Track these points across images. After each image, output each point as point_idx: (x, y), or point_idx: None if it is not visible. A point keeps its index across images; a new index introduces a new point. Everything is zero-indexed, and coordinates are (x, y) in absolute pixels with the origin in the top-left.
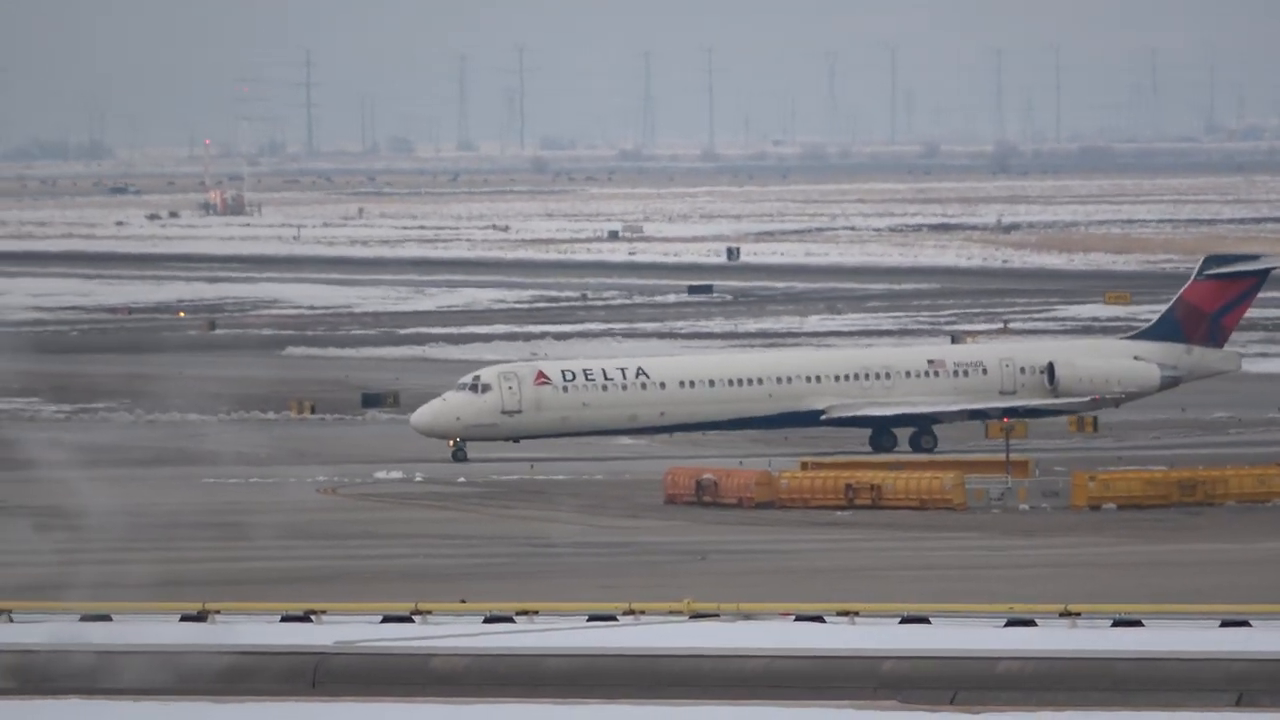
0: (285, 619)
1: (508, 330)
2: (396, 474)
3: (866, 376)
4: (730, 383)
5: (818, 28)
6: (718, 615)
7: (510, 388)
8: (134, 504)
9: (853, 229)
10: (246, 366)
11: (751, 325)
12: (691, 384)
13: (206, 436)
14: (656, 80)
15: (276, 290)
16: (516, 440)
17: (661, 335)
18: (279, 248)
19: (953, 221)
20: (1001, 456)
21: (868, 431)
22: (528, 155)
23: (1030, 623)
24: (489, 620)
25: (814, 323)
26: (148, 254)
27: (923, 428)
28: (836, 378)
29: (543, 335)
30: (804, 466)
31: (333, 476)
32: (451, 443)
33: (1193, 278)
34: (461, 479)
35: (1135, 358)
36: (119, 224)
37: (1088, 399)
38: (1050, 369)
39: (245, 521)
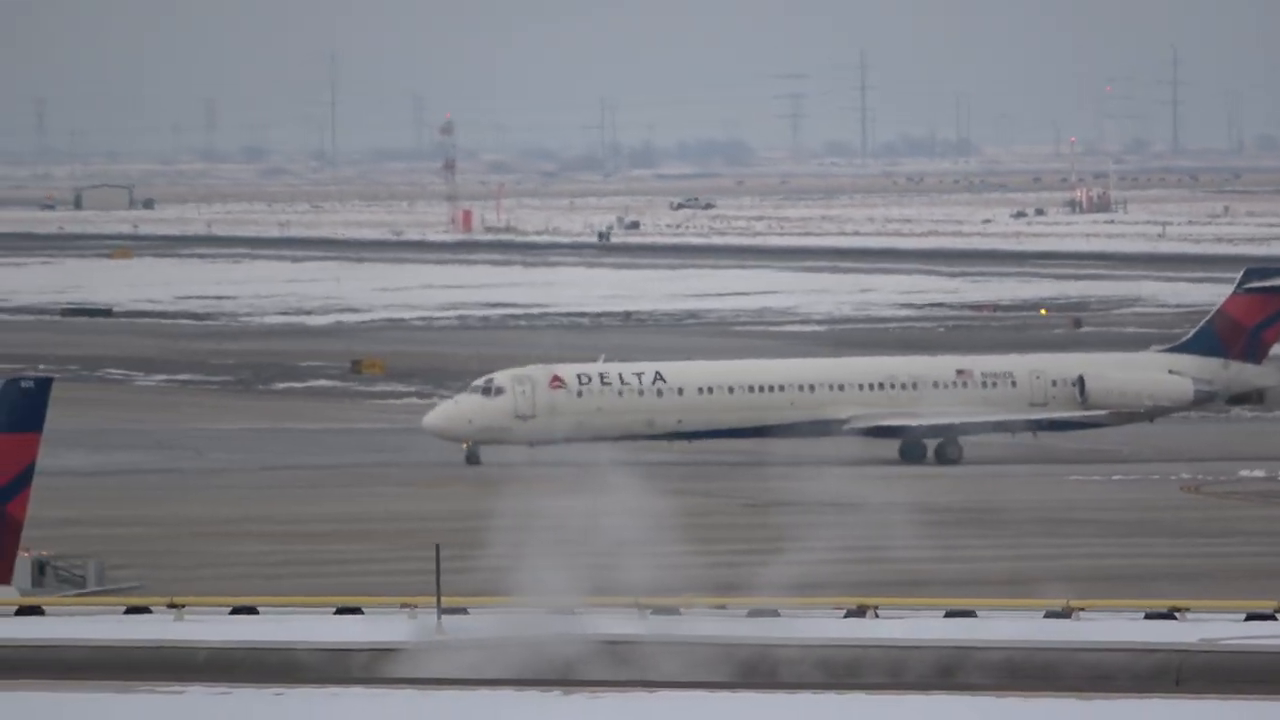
0: (1149, 616)
1: None
2: (1259, 472)
3: (892, 386)
4: (750, 389)
5: None
6: None
7: (523, 391)
8: (993, 500)
9: None
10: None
11: None
12: (710, 390)
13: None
14: None
15: (1143, 288)
16: (531, 445)
17: None
18: (1143, 245)
19: None
20: None
21: (897, 442)
22: None
23: None
24: None
25: None
26: (1013, 251)
27: (948, 439)
28: (861, 386)
29: None
30: None
31: (1196, 474)
32: (465, 446)
33: (1233, 290)
34: None
35: (1170, 371)
36: (985, 221)
37: (1110, 412)
38: (1080, 381)
39: (1107, 519)
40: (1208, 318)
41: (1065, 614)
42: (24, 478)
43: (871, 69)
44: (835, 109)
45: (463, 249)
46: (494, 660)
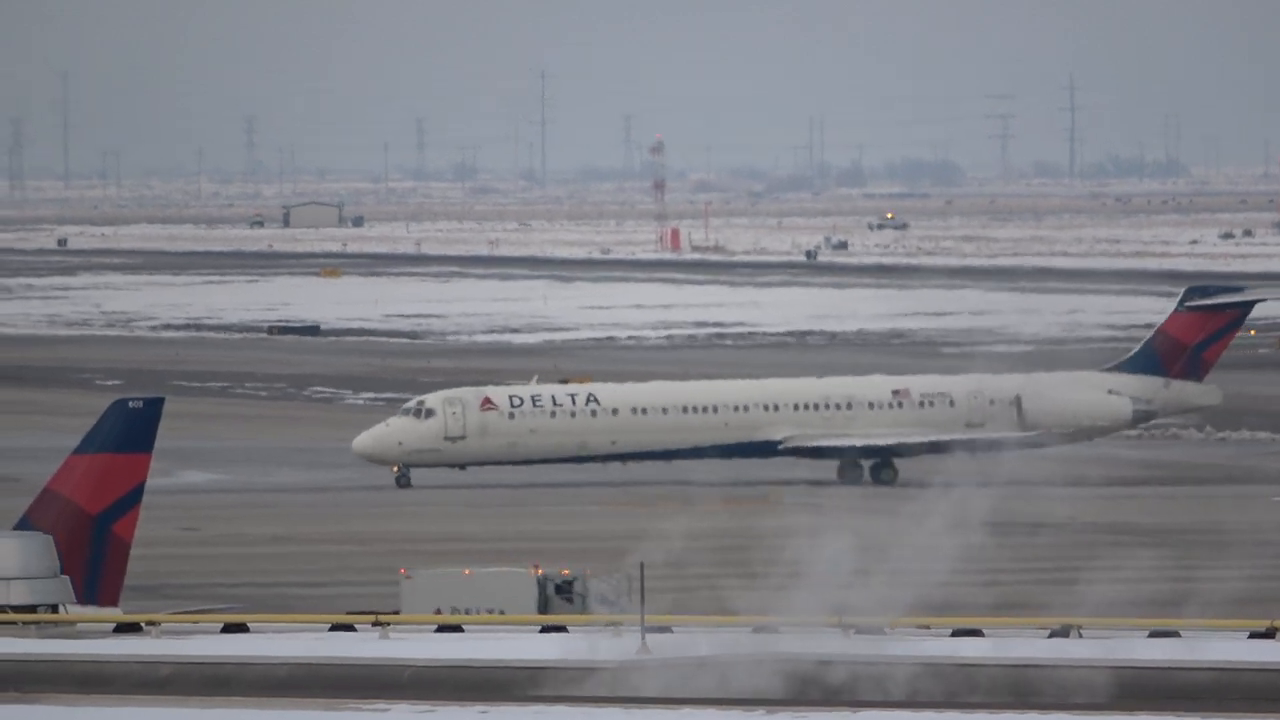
0: None
1: None
2: None
3: (827, 406)
4: (684, 410)
5: None
6: None
7: (454, 413)
8: (1202, 521)
9: None
10: None
11: None
12: (644, 411)
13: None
14: None
15: None
16: (462, 467)
17: None
18: None
19: None
20: None
21: (835, 463)
22: None
23: None
24: None
25: None
26: (1221, 272)
27: (883, 460)
28: (796, 407)
29: None
30: None
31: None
32: (395, 469)
33: (1174, 309)
34: None
35: (1109, 391)
36: (1193, 243)
37: (1038, 433)
38: (1018, 401)
39: None
40: (1148, 337)
41: (1269, 634)
42: (132, 498)
43: (1080, 89)
44: (1044, 129)
45: (670, 268)
46: (698, 679)
